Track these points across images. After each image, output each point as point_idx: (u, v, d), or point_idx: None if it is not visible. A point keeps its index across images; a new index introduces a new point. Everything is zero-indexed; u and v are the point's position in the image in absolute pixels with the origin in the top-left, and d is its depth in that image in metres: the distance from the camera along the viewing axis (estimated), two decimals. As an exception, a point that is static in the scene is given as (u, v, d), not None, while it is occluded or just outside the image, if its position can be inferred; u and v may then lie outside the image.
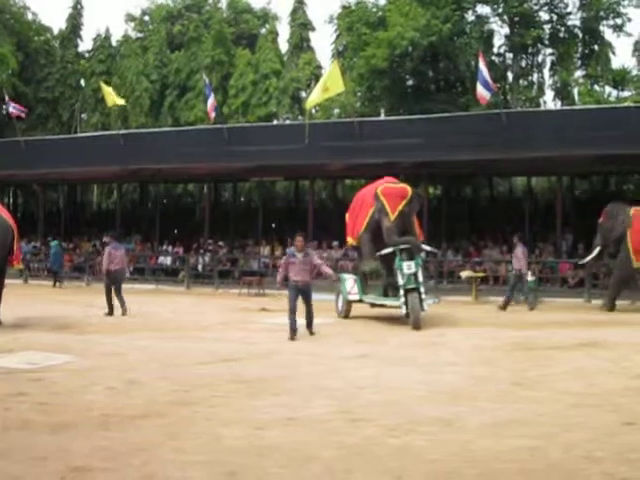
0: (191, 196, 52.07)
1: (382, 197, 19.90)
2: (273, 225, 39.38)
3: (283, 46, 52.66)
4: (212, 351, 14.43)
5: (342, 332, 17.69)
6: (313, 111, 46.99)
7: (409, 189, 20.11)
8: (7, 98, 38.97)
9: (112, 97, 35.95)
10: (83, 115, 54.36)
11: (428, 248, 20.19)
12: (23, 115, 39.50)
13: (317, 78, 46.74)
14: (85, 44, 58.42)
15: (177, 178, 43.46)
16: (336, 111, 44.47)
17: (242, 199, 49.67)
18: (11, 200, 47.94)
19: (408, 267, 18.55)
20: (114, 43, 56.45)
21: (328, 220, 35.14)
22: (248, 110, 48.15)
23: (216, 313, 21.18)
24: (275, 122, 47.04)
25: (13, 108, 38.28)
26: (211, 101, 34.37)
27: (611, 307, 23.12)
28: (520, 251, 23.77)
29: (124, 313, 20.76)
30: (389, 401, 10.05)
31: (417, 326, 17.93)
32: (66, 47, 56.75)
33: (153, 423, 8.85)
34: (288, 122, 47.26)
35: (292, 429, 8.59)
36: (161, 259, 36.23)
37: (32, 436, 8.26)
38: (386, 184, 20.53)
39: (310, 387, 11.03)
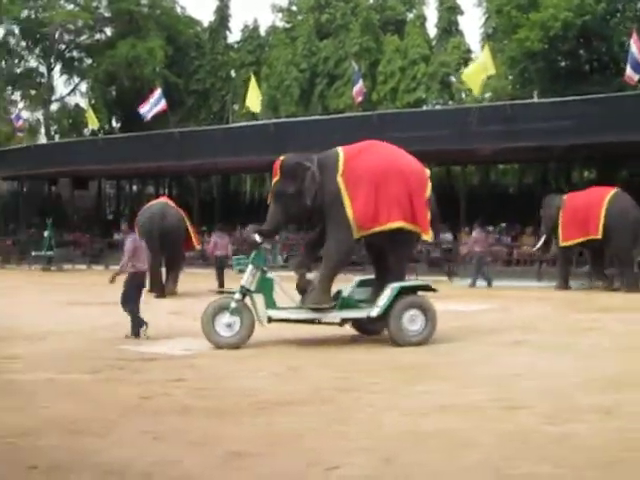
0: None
1: None
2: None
3: (431, 31, 52.35)
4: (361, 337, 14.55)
5: (497, 319, 17.45)
6: (463, 95, 46.57)
7: (279, 161, 14.89)
8: (155, 92, 39.41)
9: (252, 100, 36.69)
10: (234, 105, 55.14)
11: (257, 239, 14.25)
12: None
13: (466, 62, 46.27)
14: (234, 35, 59.36)
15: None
16: (487, 95, 43.86)
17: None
18: (166, 191, 48.97)
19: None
20: (262, 33, 57.10)
21: (480, 205, 34.78)
22: (396, 96, 48.01)
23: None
24: (424, 108, 46.68)
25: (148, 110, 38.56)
26: (359, 86, 34.41)
27: (566, 286, 24.76)
28: (476, 235, 26.62)
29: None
30: (546, 388, 9.92)
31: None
32: (215, 39, 57.61)
33: (315, 409, 8.93)
34: (438, 107, 46.89)
35: (449, 416, 8.56)
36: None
37: (191, 421, 8.41)
38: None
39: (466, 374, 11.00)
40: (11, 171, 42.16)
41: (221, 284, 23.02)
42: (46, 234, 36.51)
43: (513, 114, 28.42)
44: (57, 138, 56.16)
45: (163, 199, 26.93)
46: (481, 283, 25.71)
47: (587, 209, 24.27)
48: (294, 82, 50.43)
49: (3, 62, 57.77)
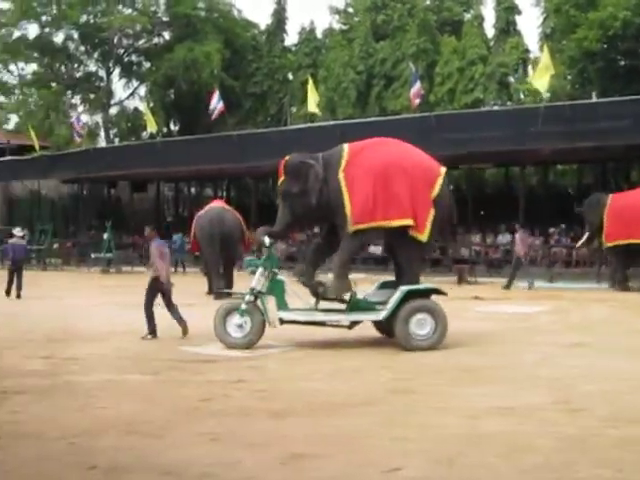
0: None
1: None
2: (481, 212, 38.83)
3: (489, 31, 52.02)
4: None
5: (555, 321, 17.32)
6: (522, 96, 46.20)
7: (283, 161, 14.50)
8: (215, 94, 39.82)
9: (312, 101, 37.30)
10: (292, 108, 55.22)
11: (266, 241, 14.01)
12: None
13: (525, 62, 46.00)
14: (291, 38, 59.43)
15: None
16: (546, 95, 43.54)
17: (451, 187, 49.21)
18: (224, 193, 49.21)
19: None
20: (319, 36, 57.11)
21: (539, 206, 34.53)
22: (454, 97, 47.78)
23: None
24: (482, 108, 46.40)
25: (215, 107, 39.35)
26: (416, 88, 34.35)
27: (625, 287, 24.48)
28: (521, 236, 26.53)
29: None
30: (606, 391, 9.83)
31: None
32: (272, 42, 57.74)
33: (372, 410, 8.94)
34: (496, 108, 46.58)
35: (507, 418, 8.51)
36: (372, 248, 36.32)
37: (251, 422, 8.43)
38: None
39: (526, 376, 10.93)
40: (71, 174, 42.63)
41: None
42: (105, 236, 36.90)
43: (572, 114, 28.06)
44: (116, 141, 56.79)
45: (219, 203, 27.36)
46: (530, 284, 25.50)
47: (633, 211, 23.94)
48: (351, 84, 50.38)
49: (63, 67, 58.62)
